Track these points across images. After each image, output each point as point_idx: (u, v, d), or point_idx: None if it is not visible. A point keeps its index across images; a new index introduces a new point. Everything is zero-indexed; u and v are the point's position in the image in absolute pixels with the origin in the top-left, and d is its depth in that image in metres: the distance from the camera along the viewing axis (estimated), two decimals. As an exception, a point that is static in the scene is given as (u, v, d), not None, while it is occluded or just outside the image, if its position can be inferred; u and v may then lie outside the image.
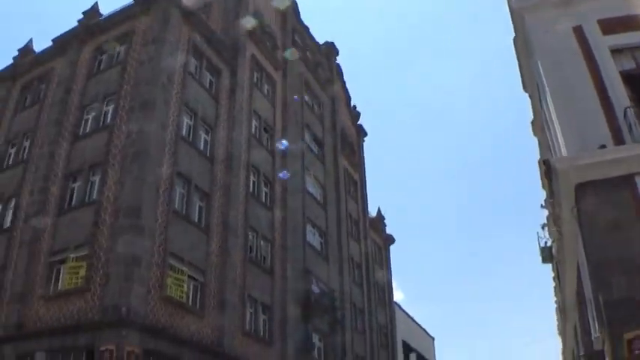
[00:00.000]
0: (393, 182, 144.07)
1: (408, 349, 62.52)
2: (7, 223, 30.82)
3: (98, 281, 24.61)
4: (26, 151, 32.82)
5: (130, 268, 24.05)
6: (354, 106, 58.45)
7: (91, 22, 34.89)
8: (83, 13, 35.97)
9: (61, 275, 26.49)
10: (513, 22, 20.04)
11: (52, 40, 36.14)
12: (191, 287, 27.45)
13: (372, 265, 53.85)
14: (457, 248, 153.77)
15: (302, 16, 49.97)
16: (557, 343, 45.33)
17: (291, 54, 38.23)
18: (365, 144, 59.15)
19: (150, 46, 30.27)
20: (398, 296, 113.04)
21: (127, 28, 32.53)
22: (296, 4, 49.11)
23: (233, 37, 36.88)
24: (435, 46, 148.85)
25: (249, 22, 38.26)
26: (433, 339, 75.03)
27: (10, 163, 33.47)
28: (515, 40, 21.37)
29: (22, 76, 37.29)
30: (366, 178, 57.03)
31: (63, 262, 26.62)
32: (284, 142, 31.22)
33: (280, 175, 30.89)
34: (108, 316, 23.30)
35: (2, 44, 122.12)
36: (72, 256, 26.25)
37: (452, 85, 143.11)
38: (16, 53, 39.44)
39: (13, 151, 33.92)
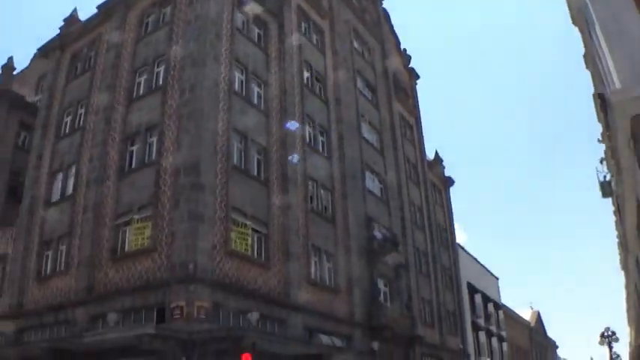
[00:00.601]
0: (449, 123, 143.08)
1: (472, 290, 63.25)
2: (70, 190, 31.88)
3: (164, 240, 25.38)
4: (82, 118, 33.68)
5: (194, 225, 24.71)
6: (404, 50, 57.91)
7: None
8: (125, -24, 36.13)
9: (127, 237, 27.41)
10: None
11: (97, 7, 36.53)
12: (255, 240, 28.07)
13: (433, 207, 54.10)
14: (517, 186, 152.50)
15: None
16: (620, 278, 45.02)
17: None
18: (418, 86, 58.74)
19: (195, 4, 30.40)
20: (460, 238, 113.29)
21: (171, -12, 32.64)
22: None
23: (277, -12, 36.72)
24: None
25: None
26: (497, 279, 75.35)
27: (67, 131, 34.41)
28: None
29: (71, 45, 37.98)
30: (422, 121, 56.75)
31: (128, 224, 27.50)
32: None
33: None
34: (176, 274, 24.08)
35: (47, 16, 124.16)
36: (136, 217, 27.06)
37: (501, 22, 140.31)
38: (62, 23, 39.92)
39: (68, 119, 34.84)
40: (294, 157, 30.16)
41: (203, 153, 26.19)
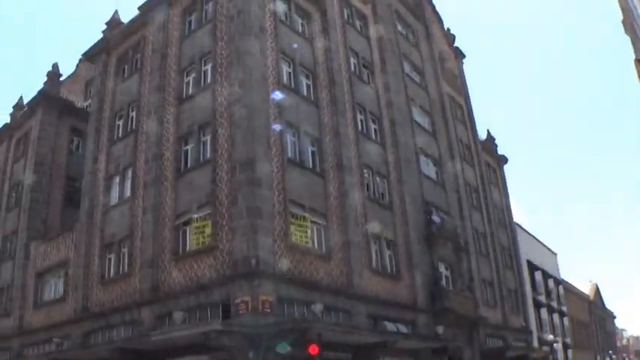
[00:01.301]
0: (499, 100, 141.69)
1: (532, 267, 63.55)
2: (128, 192, 32.83)
3: (224, 237, 26.06)
4: (134, 120, 34.54)
5: (254, 220, 25.28)
6: (448, 29, 57.69)
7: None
8: (163, -24, 36.66)
9: (187, 236, 28.20)
10: None
11: (138, 9, 37.16)
12: (315, 231, 28.58)
13: (489, 187, 54.10)
14: (570, 160, 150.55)
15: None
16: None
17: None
18: (464, 66, 58.47)
19: (235, -1, 30.76)
20: (517, 216, 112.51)
21: (210, -16, 33.10)
22: None
23: (317, -24, 36.90)
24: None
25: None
26: (556, 255, 75.20)
27: (120, 134, 35.35)
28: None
29: (116, 48, 38.81)
30: (471, 100, 56.56)
31: (187, 223, 28.29)
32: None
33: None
34: (238, 270, 24.74)
35: (89, 19, 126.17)
36: (195, 216, 27.80)
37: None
38: (104, 27, 40.65)
39: (121, 122, 35.76)
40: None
41: (257, 148, 26.68)
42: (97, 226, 33.89)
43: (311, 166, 30.19)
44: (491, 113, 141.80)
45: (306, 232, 27.74)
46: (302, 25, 34.35)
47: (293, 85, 31.17)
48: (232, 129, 27.71)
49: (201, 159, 29.09)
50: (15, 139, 47.16)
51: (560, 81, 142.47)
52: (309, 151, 30.51)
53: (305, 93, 31.96)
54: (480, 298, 42.52)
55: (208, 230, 26.88)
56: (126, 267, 31.20)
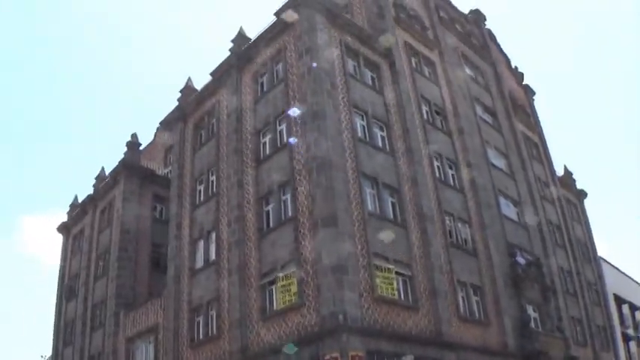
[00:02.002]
0: (574, 134, 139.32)
1: (619, 300, 61.90)
2: (212, 255, 33.49)
3: (311, 294, 26.33)
4: (214, 184, 35.40)
5: (339, 276, 25.44)
6: (516, 67, 57.60)
7: (242, 48, 36.67)
8: (232, 41, 37.87)
9: (274, 295, 28.54)
10: None
11: (211, 74, 38.29)
12: (400, 283, 28.61)
13: (571, 223, 53.17)
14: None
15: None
16: None
17: (387, 39, 37.65)
18: (535, 102, 58.05)
19: (305, 57, 31.49)
20: (601, 249, 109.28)
21: (278, 45, 34.14)
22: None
23: (381, 29, 37.49)
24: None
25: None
26: (643, 285, 72.98)
27: (202, 199, 36.26)
28: None
29: (191, 115, 40.13)
30: (545, 137, 55.96)
31: (273, 282, 28.70)
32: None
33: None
34: (326, 326, 24.88)
35: (162, 89, 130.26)
36: (280, 275, 28.16)
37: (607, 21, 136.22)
38: (179, 94, 42.03)
39: (201, 187, 36.74)
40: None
41: (337, 203, 26.97)
42: (184, 290, 34.67)
43: (392, 217, 30.31)
44: (567, 147, 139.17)
45: (392, 283, 27.73)
46: (372, 77, 34.86)
47: (368, 138, 31.56)
48: (311, 186, 28.13)
49: (283, 218, 29.55)
50: (99, 209, 48.85)
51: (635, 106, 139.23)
52: (389, 202, 30.68)
53: (380, 144, 32.27)
54: (570, 337, 41.47)
55: (294, 288, 27.15)
56: (214, 329, 31.69)
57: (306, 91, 30.60)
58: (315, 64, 30.36)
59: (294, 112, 30.68)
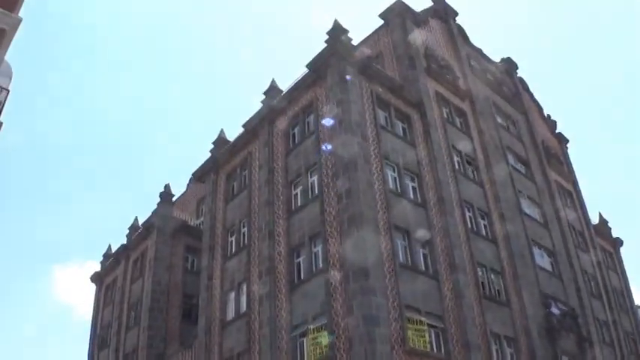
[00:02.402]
0: (607, 181, 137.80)
1: (656, 350, 59.81)
2: (244, 307, 33.45)
3: (342, 347, 26.12)
4: (246, 236, 35.51)
5: (370, 328, 25.30)
6: (549, 115, 57.46)
7: (274, 100, 37.15)
8: (264, 93, 38.50)
9: (305, 347, 28.37)
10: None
11: (243, 126, 38.77)
12: (432, 335, 28.29)
13: (607, 272, 52.27)
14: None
15: (471, 40, 50.14)
16: None
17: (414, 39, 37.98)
18: (569, 150, 57.69)
19: (336, 108, 31.83)
20: (638, 298, 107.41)
21: (310, 97, 34.63)
22: (463, 29, 49.46)
23: (412, 79, 37.82)
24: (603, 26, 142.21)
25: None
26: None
27: (234, 250, 36.36)
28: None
29: (224, 167, 40.47)
30: (579, 185, 55.49)
31: (304, 334, 28.58)
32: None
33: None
34: (359, 379, 24.53)
35: (197, 141, 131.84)
36: (311, 327, 28.08)
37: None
38: (211, 146, 42.50)
39: (233, 239, 36.85)
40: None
41: (369, 255, 26.94)
42: (215, 341, 34.54)
43: (424, 268, 30.15)
44: (602, 194, 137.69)
45: (424, 336, 27.45)
46: (403, 128, 35.07)
47: (399, 189, 31.62)
48: (343, 238, 28.15)
49: (314, 270, 29.56)
50: (132, 259, 49.31)
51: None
52: (421, 254, 30.55)
53: (412, 196, 32.31)
54: (607, 388, 40.61)
55: (325, 340, 26.98)
56: (246, 381, 31.57)
57: (337, 143, 30.86)
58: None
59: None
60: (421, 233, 30.87)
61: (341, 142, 30.58)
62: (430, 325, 28.21)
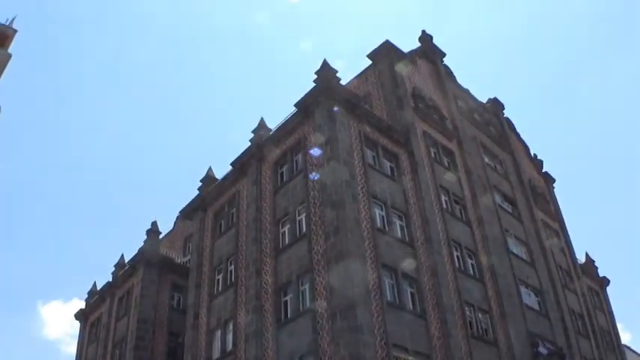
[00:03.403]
0: (593, 221, 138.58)
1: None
2: (229, 345, 33.22)
3: (330, 386, 25.86)
4: (233, 274, 35.45)
5: (357, 367, 25.07)
6: (535, 155, 57.96)
7: (262, 138, 37.33)
8: (253, 131, 38.60)
9: (292, 386, 28.06)
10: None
11: (231, 164, 38.83)
12: (420, 374, 28.06)
13: (593, 312, 52.35)
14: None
15: (459, 80, 50.78)
16: None
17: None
18: (555, 190, 58.20)
19: (325, 147, 32.04)
20: (625, 338, 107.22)
21: (298, 135, 34.88)
22: (450, 70, 50.10)
23: (400, 119, 38.18)
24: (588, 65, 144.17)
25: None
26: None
27: (220, 288, 36.18)
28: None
29: (212, 204, 40.48)
30: (566, 225, 55.80)
31: (292, 374, 28.19)
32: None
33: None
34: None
35: (185, 178, 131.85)
36: (299, 366, 27.75)
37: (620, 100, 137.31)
38: (199, 184, 42.55)
39: (220, 276, 36.73)
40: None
41: (356, 294, 26.90)
42: (200, 380, 34.27)
43: (411, 307, 30.11)
44: (588, 233, 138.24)
45: (412, 375, 27.40)
46: (390, 167, 35.28)
47: (387, 228, 31.70)
48: (330, 276, 28.12)
49: (301, 308, 29.44)
50: (117, 297, 48.90)
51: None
52: (409, 292, 30.53)
53: (399, 234, 32.39)
54: None
55: (312, 380, 26.86)
56: (232, 421, 31.27)
57: (325, 182, 31.01)
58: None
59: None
60: (409, 271, 30.92)
61: (329, 181, 30.76)
62: (418, 365, 28.16)
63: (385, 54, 42.06)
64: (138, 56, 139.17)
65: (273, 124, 37.81)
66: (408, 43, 50.36)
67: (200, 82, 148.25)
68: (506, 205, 45.99)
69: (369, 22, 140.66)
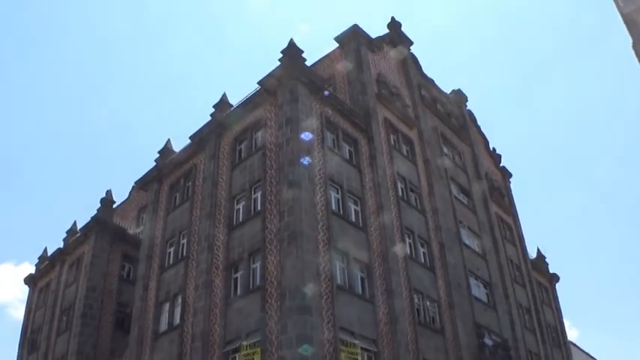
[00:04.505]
0: (548, 217, 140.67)
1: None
2: (177, 319, 32.99)
3: (274, 365, 25.88)
4: (185, 248, 35.19)
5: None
6: (494, 149, 58.43)
7: (223, 114, 37.06)
8: (214, 106, 38.31)
9: (236, 364, 28.05)
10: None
11: (190, 138, 38.48)
12: (365, 358, 28.31)
13: (541, 307, 53.17)
14: (624, 272, 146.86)
15: (424, 70, 50.85)
16: None
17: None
18: (511, 185, 58.84)
19: (285, 127, 31.96)
20: (572, 334, 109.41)
21: (259, 114, 34.62)
22: (416, 59, 50.15)
23: (362, 104, 38.15)
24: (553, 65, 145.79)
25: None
26: (613, 372, 73.20)
27: (171, 261, 35.91)
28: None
29: (168, 177, 40.08)
30: (520, 220, 56.52)
31: (237, 350, 28.27)
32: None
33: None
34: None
35: (142, 150, 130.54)
36: (244, 343, 27.81)
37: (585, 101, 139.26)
38: (157, 155, 42.14)
39: (172, 250, 36.43)
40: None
41: (306, 275, 26.88)
42: (146, 352, 33.95)
43: (360, 292, 30.21)
44: (541, 230, 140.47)
45: (357, 358, 27.45)
46: (349, 151, 35.21)
47: (342, 212, 31.69)
48: (282, 256, 28.09)
49: (251, 286, 29.40)
50: (68, 263, 48.43)
51: (613, 188, 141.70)
52: (359, 277, 30.62)
53: (353, 219, 32.37)
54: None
55: (257, 358, 26.74)
56: (174, 395, 31.13)
57: (282, 162, 30.92)
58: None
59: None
60: (360, 256, 31.05)
61: (287, 161, 30.68)
62: (363, 349, 28.21)
63: (352, 37, 41.93)
64: (120, 27, 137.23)
65: (236, 101, 37.56)
66: (377, 28, 50.34)
67: (169, 51, 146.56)
68: (461, 197, 46.32)
69: (369, 9, 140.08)
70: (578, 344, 64.52)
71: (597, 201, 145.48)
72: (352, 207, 32.82)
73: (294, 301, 26.32)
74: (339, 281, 28.92)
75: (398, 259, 33.28)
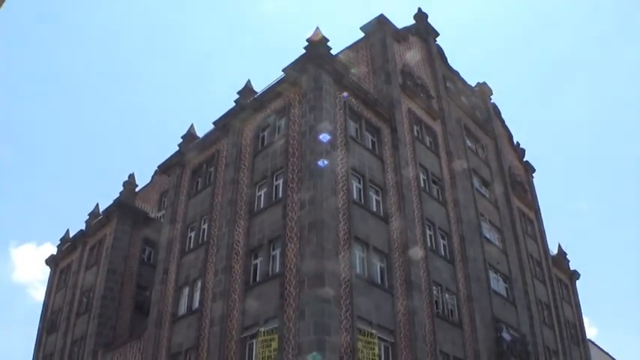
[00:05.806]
0: (571, 214, 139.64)
1: (606, 384, 60.87)
2: (196, 304, 33.18)
3: (291, 352, 26.01)
4: (205, 233, 35.34)
5: (321, 336, 25.23)
6: (518, 143, 58.04)
7: (247, 100, 37.10)
8: (238, 92, 38.30)
9: (254, 349, 28.19)
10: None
11: (213, 123, 38.56)
12: (382, 349, 28.24)
13: (560, 303, 52.77)
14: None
15: (450, 62, 50.59)
16: None
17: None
18: (535, 180, 58.43)
19: (308, 115, 31.91)
20: (591, 332, 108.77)
21: (283, 101, 34.58)
22: (442, 50, 49.90)
23: (387, 94, 38.06)
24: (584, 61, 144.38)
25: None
26: (631, 371, 72.70)
27: (192, 246, 36.11)
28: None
29: (190, 162, 40.19)
30: (542, 215, 56.12)
31: (254, 336, 28.35)
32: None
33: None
34: (304, 386, 24.45)
35: (166, 134, 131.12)
36: (262, 330, 27.85)
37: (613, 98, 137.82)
38: (180, 140, 42.32)
39: (192, 234, 36.62)
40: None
41: (326, 263, 26.89)
42: (164, 335, 34.23)
43: (380, 282, 30.19)
44: (563, 226, 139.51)
45: (374, 349, 27.37)
46: (372, 141, 35.12)
47: (363, 201, 31.63)
48: (302, 244, 28.12)
49: (270, 273, 29.46)
50: (89, 246, 48.76)
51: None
52: (378, 267, 30.58)
53: (374, 209, 32.31)
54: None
55: (275, 344, 26.84)
56: (191, 378, 31.32)
57: (305, 150, 30.90)
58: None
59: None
60: (380, 246, 31.00)
61: (309, 149, 30.66)
62: (381, 339, 28.17)
63: (378, 28, 41.81)
64: (147, 20, 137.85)
65: (261, 87, 37.47)
66: (404, 18, 50.08)
67: (190, 39, 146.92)
68: (483, 190, 46.10)
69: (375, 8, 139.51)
70: (596, 342, 64.18)
71: (620, 200, 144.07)
72: (374, 197, 32.74)
73: (312, 289, 26.34)
74: (358, 271, 28.90)
75: (418, 251, 33.15)
